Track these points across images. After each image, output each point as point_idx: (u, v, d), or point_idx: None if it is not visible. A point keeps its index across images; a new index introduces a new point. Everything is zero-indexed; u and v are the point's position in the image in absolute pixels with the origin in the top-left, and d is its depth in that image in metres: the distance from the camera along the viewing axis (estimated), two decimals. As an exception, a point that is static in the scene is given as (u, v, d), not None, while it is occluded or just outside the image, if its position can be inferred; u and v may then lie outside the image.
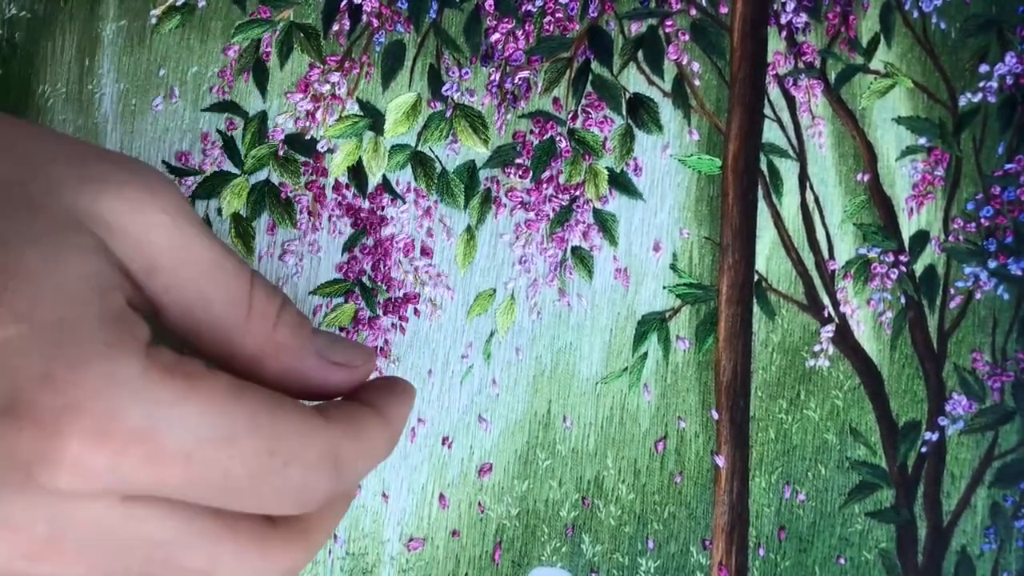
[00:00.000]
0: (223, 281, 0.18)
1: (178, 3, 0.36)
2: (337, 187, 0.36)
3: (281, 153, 0.36)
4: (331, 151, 0.36)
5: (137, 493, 0.16)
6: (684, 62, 0.37)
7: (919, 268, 0.38)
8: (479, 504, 0.36)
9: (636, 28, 0.37)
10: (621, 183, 0.37)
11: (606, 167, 0.37)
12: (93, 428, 0.15)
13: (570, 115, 0.37)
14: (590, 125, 0.37)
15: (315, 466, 0.17)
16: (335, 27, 0.36)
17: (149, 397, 0.15)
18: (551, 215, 0.37)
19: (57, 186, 0.17)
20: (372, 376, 0.24)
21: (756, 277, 0.37)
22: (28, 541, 0.15)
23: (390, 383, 0.20)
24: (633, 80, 0.37)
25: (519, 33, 0.36)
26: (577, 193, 0.37)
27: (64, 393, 0.15)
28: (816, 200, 0.37)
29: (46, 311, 0.15)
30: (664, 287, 0.37)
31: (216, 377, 0.16)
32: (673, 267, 0.37)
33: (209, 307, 0.18)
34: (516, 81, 0.36)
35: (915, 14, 0.38)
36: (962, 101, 0.38)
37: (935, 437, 0.37)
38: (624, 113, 0.37)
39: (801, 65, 0.37)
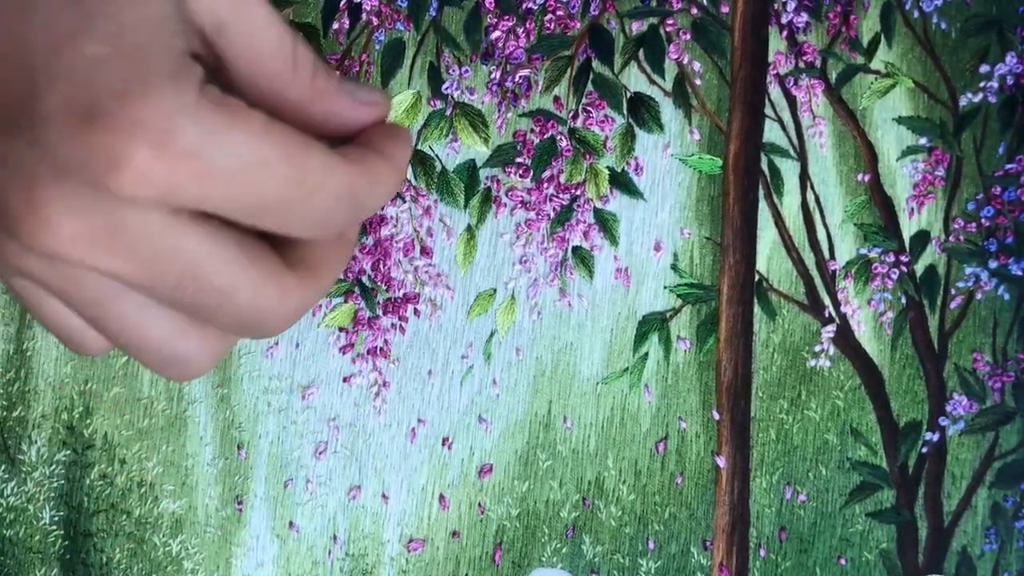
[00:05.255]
0: (276, 37, 0.21)
1: (176, 1, 0.36)
2: (336, 186, 0.36)
3: (280, 152, 0.35)
4: (330, 150, 0.36)
5: (184, 206, 0.19)
6: (685, 61, 0.37)
7: (920, 268, 0.38)
8: (479, 505, 0.36)
9: (637, 27, 0.37)
10: (622, 182, 0.37)
11: (607, 166, 0.37)
12: (157, 142, 0.18)
13: (571, 114, 0.36)
14: (591, 124, 0.36)
15: (336, 198, 0.20)
16: (335, 25, 0.36)
17: (202, 122, 0.18)
18: (552, 215, 0.36)
19: None
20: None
21: (757, 277, 0.37)
22: (90, 229, 0.18)
23: (390, 130, 0.24)
24: (634, 79, 0.37)
25: (520, 31, 0.36)
26: (578, 192, 0.36)
27: (136, 110, 0.18)
28: (817, 200, 0.37)
29: (128, 38, 0.18)
30: (665, 287, 0.37)
31: (255, 112, 0.19)
32: (674, 267, 0.37)
33: (263, 61, 0.21)
34: (517, 79, 0.36)
35: (915, 14, 0.38)
36: (962, 101, 0.38)
37: (936, 437, 0.37)
38: (625, 112, 0.37)
39: (802, 65, 0.37)
